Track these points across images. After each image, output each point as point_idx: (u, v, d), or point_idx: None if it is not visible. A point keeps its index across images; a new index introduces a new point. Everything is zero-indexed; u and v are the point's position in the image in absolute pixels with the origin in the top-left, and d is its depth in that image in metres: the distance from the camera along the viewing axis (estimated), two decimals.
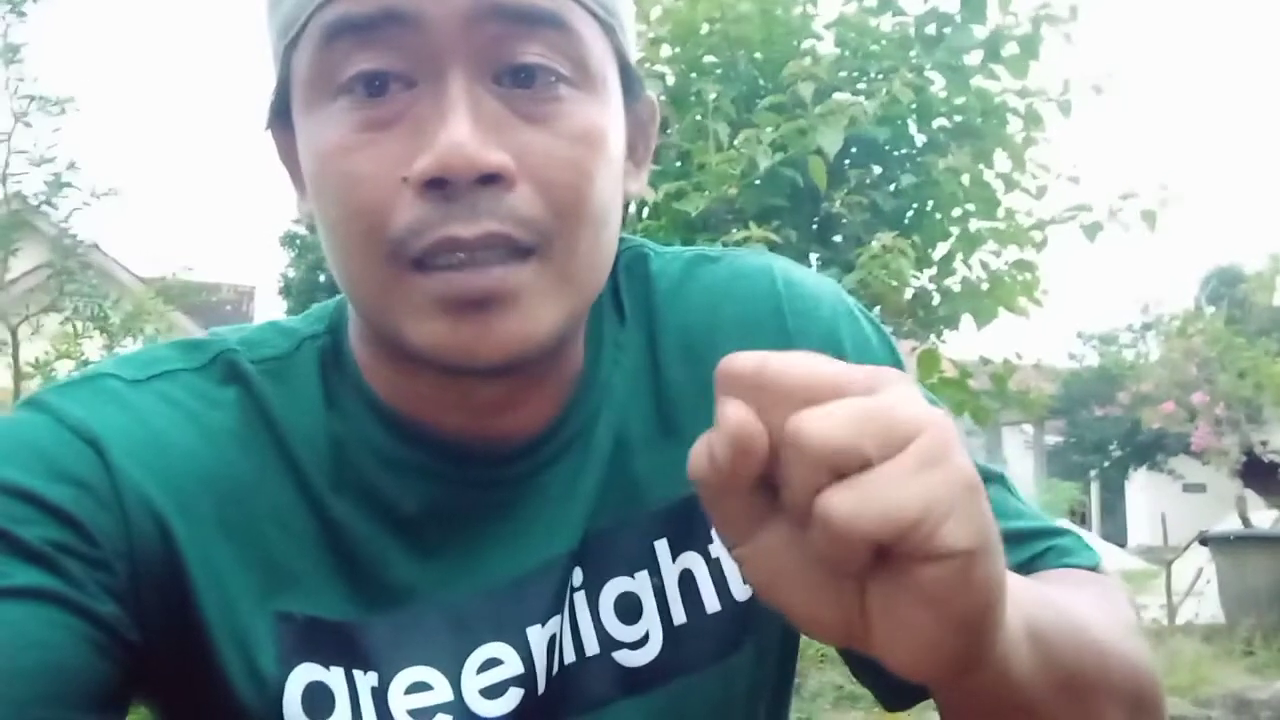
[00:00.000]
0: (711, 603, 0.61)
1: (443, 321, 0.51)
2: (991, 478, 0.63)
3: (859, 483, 0.34)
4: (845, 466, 0.34)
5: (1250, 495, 6.40)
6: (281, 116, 0.58)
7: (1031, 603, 0.45)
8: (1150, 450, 15.79)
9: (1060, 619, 0.48)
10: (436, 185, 0.50)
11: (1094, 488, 18.63)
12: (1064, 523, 0.65)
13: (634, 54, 0.60)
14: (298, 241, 15.25)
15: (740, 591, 0.62)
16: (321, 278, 14.39)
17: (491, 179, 0.50)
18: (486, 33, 0.51)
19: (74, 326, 2.57)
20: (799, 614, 0.38)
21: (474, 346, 0.51)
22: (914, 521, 0.34)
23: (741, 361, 0.36)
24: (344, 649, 0.56)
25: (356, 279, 0.54)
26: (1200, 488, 14.19)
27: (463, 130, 0.49)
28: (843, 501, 0.34)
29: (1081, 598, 0.53)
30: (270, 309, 15.03)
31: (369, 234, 0.52)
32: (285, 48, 0.54)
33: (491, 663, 0.57)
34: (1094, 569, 0.62)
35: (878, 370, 0.37)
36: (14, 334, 2.53)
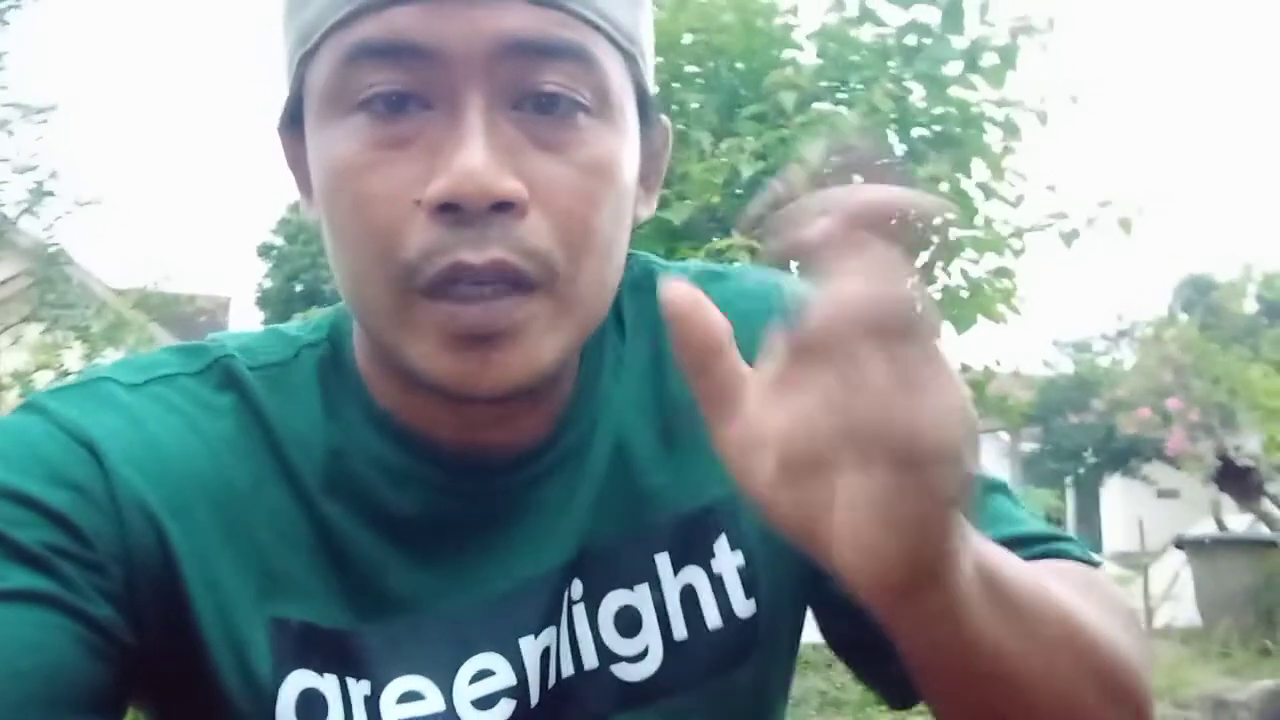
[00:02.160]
0: (713, 619, 0.61)
1: (447, 353, 0.51)
2: (995, 486, 0.63)
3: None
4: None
5: (1225, 500, 6.47)
6: (293, 123, 0.57)
7: (992, 553, 0.46)
8: (1124, 457, 15.93)
9: (1024, 574, 0.48)
10: (449, 210, 0.50)
11: (1069, 494, 18.77)
12: (1064, 530, 0.65)
13: (652, 80, 0.59)
14: (274, 252, 15.17)
15: (743, 608, 0.62)
16: (298, 288, 14.33)
17: (504, 206, 0.50)
18: (508, 65, 0.51)
19: (54, 337, 2.55)
20: (769, 506, 0.42)
21: (477, 378, 0.52)
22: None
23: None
24: (338, 656, 0.56)
25: (366, 300, 0.54)
26: (1174, 493, 14.32)
27: (477, 157, 0.49)
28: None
29: (1063, 579, 0.54)
30: (246, 320, 14.94)
31: (381, 256, 0.51)
32: (302, 57, 0.54)
33: (484, 673, 0.57)
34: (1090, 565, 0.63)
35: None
36: None
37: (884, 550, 0.39)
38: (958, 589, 0.42)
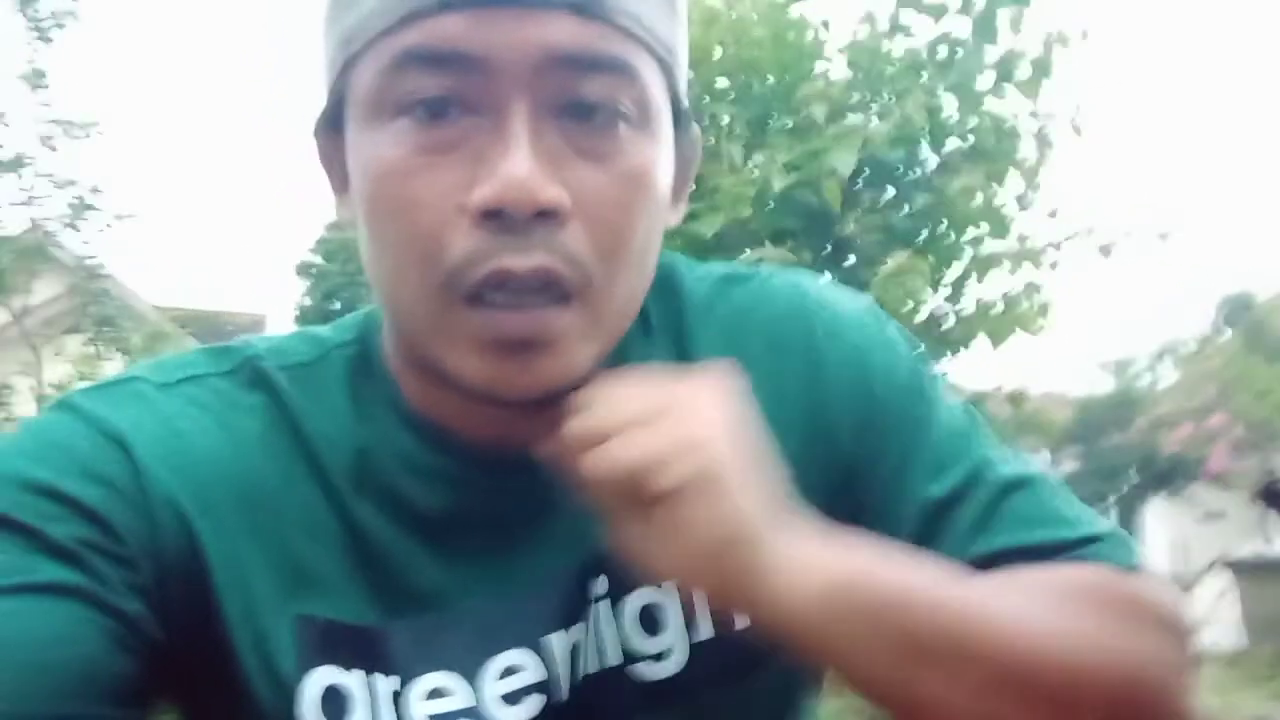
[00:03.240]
0: (739, 619, 0.60)
1: (485, 358, 0.52)
2: (1016, 485, 0.62)
3: (606, 444, 0.50)
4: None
5: (1271, 518, 6.33)
6: (332, 125, 0.58)
7: (858, 570, 0.51)
8: (1168, 477, 15.60)
9: (921, 593, 0.51)
10: (493, 216, 0.50)
11: (1112, 515, 18.46)
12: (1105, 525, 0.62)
13: (685, 89, 0.60)
14: (312, 270, 15.38)
15: None
16: (335, 306, 14.49)
17: (547, 214, 0.51)
18: (553, 76, 0.51)
19: (96, 348, 2.60)
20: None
21: (512, 383, 0.52)
22: (634, 469, 0.49)
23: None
24: (364, 653, 0.56)
25: (405, 304, 0.54)
26: (1220, 515, 14.00)
27: (524, 165, 0.50)
28: (591, 457, 0.50)
29: (1028, 587, 0.55)
30: None
31: (424, 261, 0.52)
32: (346, 61, 0.54)
33: (512, 669, 0.57)
34: (1123, 567, 0.60)
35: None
36: (38, 355, 2.56)
37: (681, 565, 0.51)
38: (791, 605, 0.50)
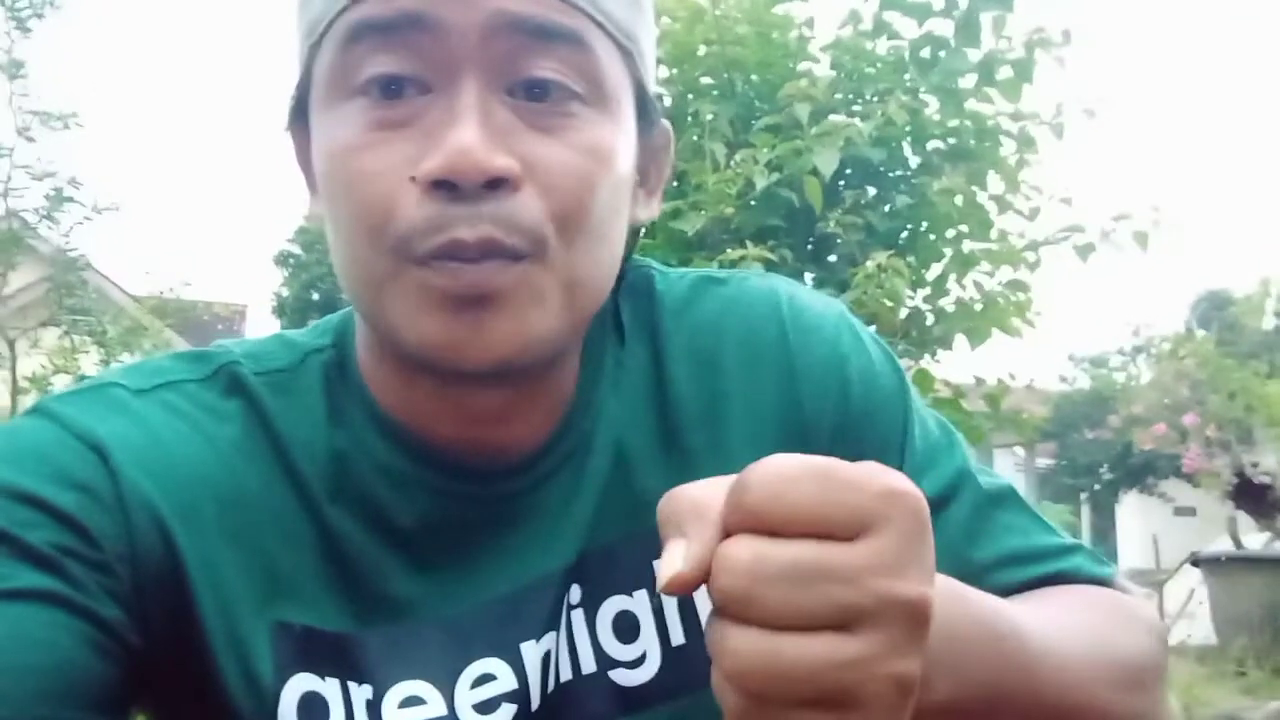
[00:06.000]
0: None
1: (436, 318, 0.52)
2: (999, 498, 0.64)
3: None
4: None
5: (1242, 517, 6.42)
6: (301, 116, 0.58)
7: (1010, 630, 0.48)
8: (1141, 473, 15.78)
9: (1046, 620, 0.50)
10: (443, 187, 0.51)
11: (1085, 511, 18.61)
12: (1073, 539, 0.65)
13: (653, 83, 0.60)
14: (291, 260, 15.27)
15: None
16: (315, 296, 14.40)
17: (497, 183, 0.51)
18: (503, 44, 0.52)
19: (71, 341, 2.57)
20: None
21: (464, 346, 0.52)
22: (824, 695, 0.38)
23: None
24: (340, 660, 0.56)
25: (357, 272, 0.54)
26: (1191, 511, 14.17)
27: (470, 134, 0.50)
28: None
29: (1070, 604, 0.55)
30: (262, 328, 15.02)
31: (374, 230, 0.52)
32: (310, 48, 0.55)
33: (485, 678, 0.58)
34: (1106, 583, 0.62)
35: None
36: (12, 348, 2.52)
37: None
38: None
